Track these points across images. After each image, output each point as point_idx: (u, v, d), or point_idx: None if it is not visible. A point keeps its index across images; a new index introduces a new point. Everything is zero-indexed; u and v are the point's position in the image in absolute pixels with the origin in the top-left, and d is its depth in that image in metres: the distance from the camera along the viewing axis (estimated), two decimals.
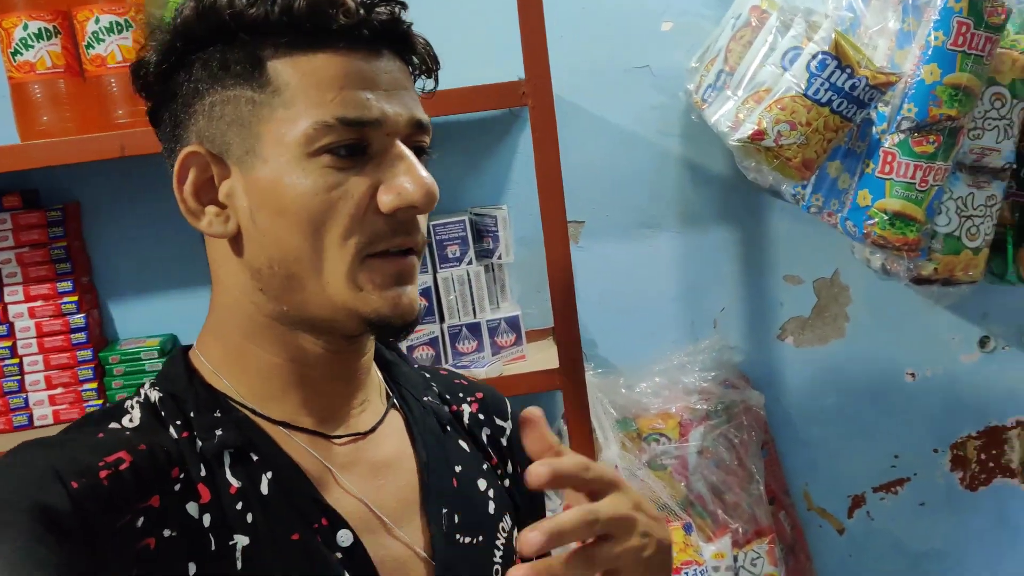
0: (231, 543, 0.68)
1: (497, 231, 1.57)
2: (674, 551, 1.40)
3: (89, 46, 1.44)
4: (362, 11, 0.70)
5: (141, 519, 0.65)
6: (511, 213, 1.58)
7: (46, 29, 1.43)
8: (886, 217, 1.36)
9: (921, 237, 1.37)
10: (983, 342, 1.78)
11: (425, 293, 1.54)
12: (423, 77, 0.77)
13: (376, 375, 0.84)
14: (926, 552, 1.84)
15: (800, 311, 1.75)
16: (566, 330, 1.42)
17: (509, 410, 0.93)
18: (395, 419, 0.83)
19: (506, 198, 1.67)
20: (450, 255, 1.55)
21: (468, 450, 0.86)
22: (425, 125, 0.74)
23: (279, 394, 0.75)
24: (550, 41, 1.37)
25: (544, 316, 1.69)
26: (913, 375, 1.79)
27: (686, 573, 1.38)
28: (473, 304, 1.56)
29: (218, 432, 0.71)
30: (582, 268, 1.67)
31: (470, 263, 1.55)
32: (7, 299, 1.52)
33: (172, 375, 0.75)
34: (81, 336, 1.55)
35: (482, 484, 0.84)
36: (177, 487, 0.68)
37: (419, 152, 0.74)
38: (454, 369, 0.96)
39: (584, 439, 1.43)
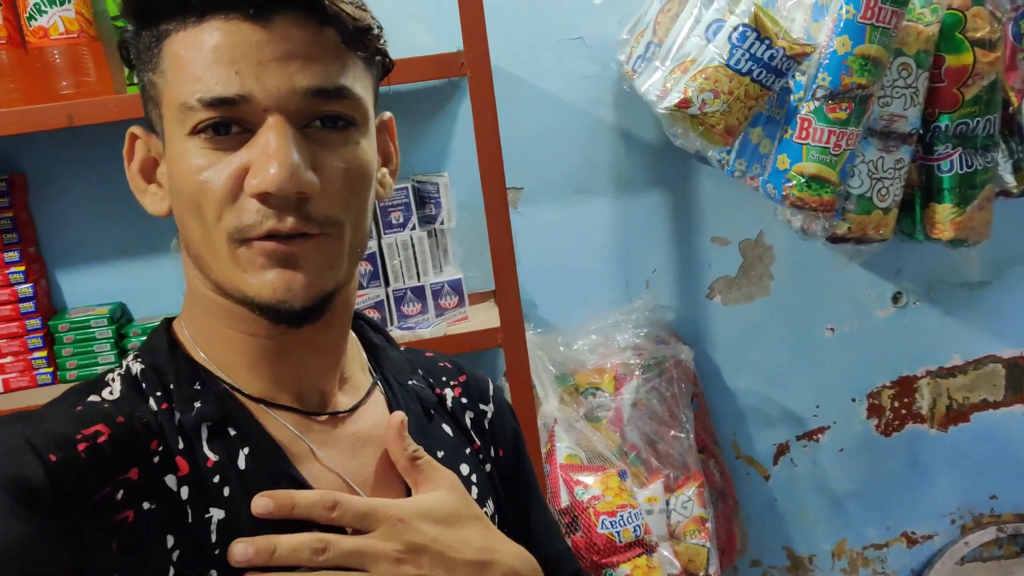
0: (207, 516, 0.67)
1: (439, 197, 1.63)
2: (610, 496, 1.51)
3: (31, 18, 1.45)
4: None
5: (120, 492, 0.64)
6: (452, 180, 1.64)
7: None
8: (803, 180, 1.45)
9: (836, 198, 1.47)
10: (896, 298, 1.90)
11: (370, 258, 1.60)
12: (348, 46, 0.70)
13: (359, 354, 0.83)
14: (845, 494, 1.97)
15: (727, 271, 1.85)
16: (506, 291, 1.49)
17: (491, 393, 0.93)
18: (378, 400, 0.82)
19: (447, 166, 1.73)
20: (394, 221, 1.60)
21: (451, 435, 0.86)
22: (332, 92, 0.68)
23: (250, 368, 0.74)
24: (488, 12, 1.42)
25: (486, 279, 1.76)
26: (832, 330, 1.90)
27: (621, 515, 1.47)
28: (417, 268, 1.62)
29: (196, 404, 0.71)
30: (521, 232, 1.74)
31: (413, 228, 1.61)
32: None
33: (154, 347, 0.75)
34: (29, 305, 1.57)
35: (464, 469, 0.84)
36: (156, 459, 0.67)
37: (333, 120, 0.69)
38: (439, 353, 0.96)
39: (525, 394, 1.51)
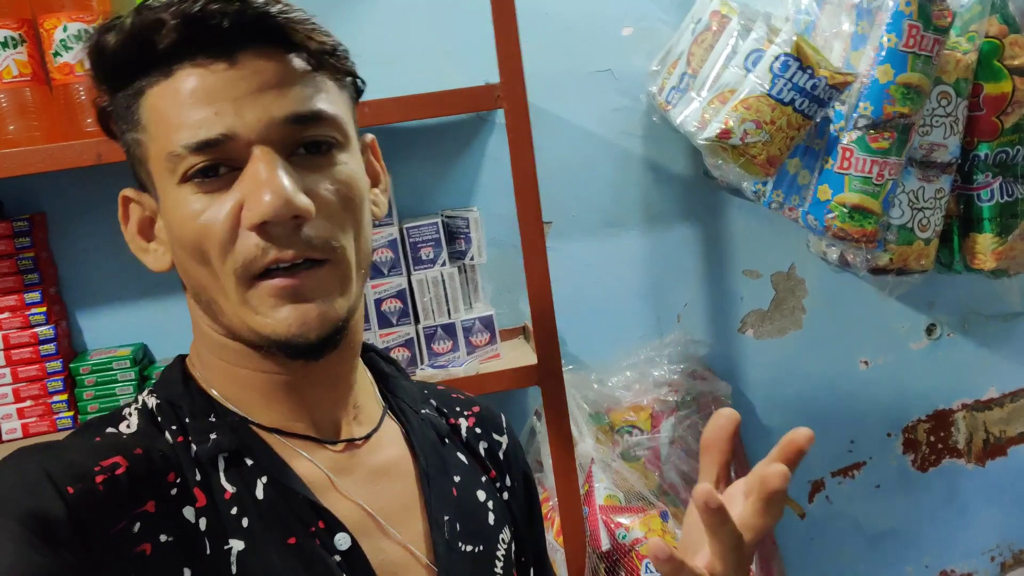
0: (226, 547, 0.67)
1: (469, 232, 1.60)
2: (653, 537, 1.46)
3: (56, 54, 1.42)
4: (175, 33, 0.66)
5: (137, 524, 0.64)
6: (481, 215, 1.61)
7: (11, 37, 1.41)
8: (845, 210, 1.43)
9: (878, 229, 1.44)
10: (930, 330, 1.87)
11: (400, 295, 1.56)
12: (319, 69, 0.71)
13: (370, 384, 0.84)
14: (882, 532, 1.92)
15: (759, 304, 1.82)
16: (544, 328, 1.46)
17: (505, 425, 0.94)
18: (392, 428, 0.82)
19: (476, 200, 1.70)
20: (424, 257, 1.57)
21: (466, 462, 0.86)
22: (310, 117, 0.68)
23: (263, 403, 0.74)
24: None
25: (514, 315, 1.73)
26: (866, 363, 1.87)
27: None
28: (448, 305, 1.59)
29: (212, 436, 0.71)
30: (551, 268, 1.70)
31: (443, 264, 1.58)
32: None
33: (169, 381, 0.76)
34: (50, 347, 1.53)
35: (481, 495, 0.85)
36: (173, 491, 0.68)
37: (316, 146, 0.69)
38: (450, 385, 0.97)
39: (564, 433, 1.47)
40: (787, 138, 1.39)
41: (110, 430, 0.70)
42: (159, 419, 0.72)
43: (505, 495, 0.89)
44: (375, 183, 0.81)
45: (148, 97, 0.68)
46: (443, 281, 1.58)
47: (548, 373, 1.46)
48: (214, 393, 0.75)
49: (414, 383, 0.90)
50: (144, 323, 1.63)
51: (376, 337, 1.56)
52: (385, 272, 1.56)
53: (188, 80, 0.67)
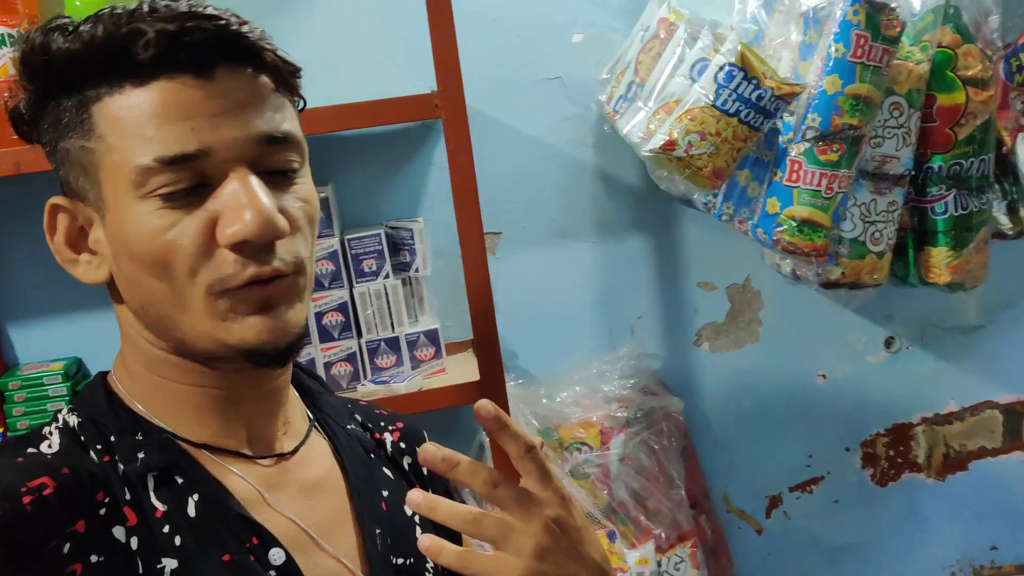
0: (159, 566, 0.67)
1: (414, 244, 1.56)
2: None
3: None
4: (162, 42, 0.65)
5: (67, 544, 0.63)
6: (427, 226, 1.57)
7: None
8: (795, 224, 1.39)
9: (828, 243, 1.41)
10: (888, 343, 1.84)
11: (341, 308, 1.52)
12: (281, 90, 0.73)
13: (297, 399, 0.84)
14: (841, 547, 1.89)
15: (715, 316, 1.78)
16: (486, 343, 1.42)
17: (427, 440, 0.92)
18: (320, 443, 0.83)
19: (422, 210, 1.65)
20: (366, 269, 1.53)
21: (392, 477, 0.87)
22: (281, 138, 0.70)
23: (196, 418, 0.74)
24: (462, 52, 1.36)
25: (463, 328, 1.68)
26: (824, 376, 1.84)
27: None
28: (391, 318, 1.54)
29: (140, 455, 0.70)
30: (500, 279, 1.66)
31: (387, 277, 1.53)
32: None
33: (91, 399, 0.74)
34: None
35: (408, 510, 0.84)
36: (102, 511, 0.67)
37: (282, 172, 0.71)
38: (372, 402, 0.97)
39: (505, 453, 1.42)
40: (733, 150, 1.35)
41: (31, 450, 0.69)
42: (82, 438, 0.71)
43: None
44: None
45: (106, 106, 0.67)
46: (386, 294, 1.54)
47: (491, 390, 1.42)
48: (140, 410, 0.74)
49: (338, 398, 0.91)
50: (78, 336, 1.58)
51: (317, 351, 1.51)
52: (326, 285, 1.51)
53: (161, 93, 0.66)
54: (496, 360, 1.42)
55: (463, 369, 1.55)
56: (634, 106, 1.46)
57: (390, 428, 0.92)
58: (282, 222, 0.68)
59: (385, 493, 0.84)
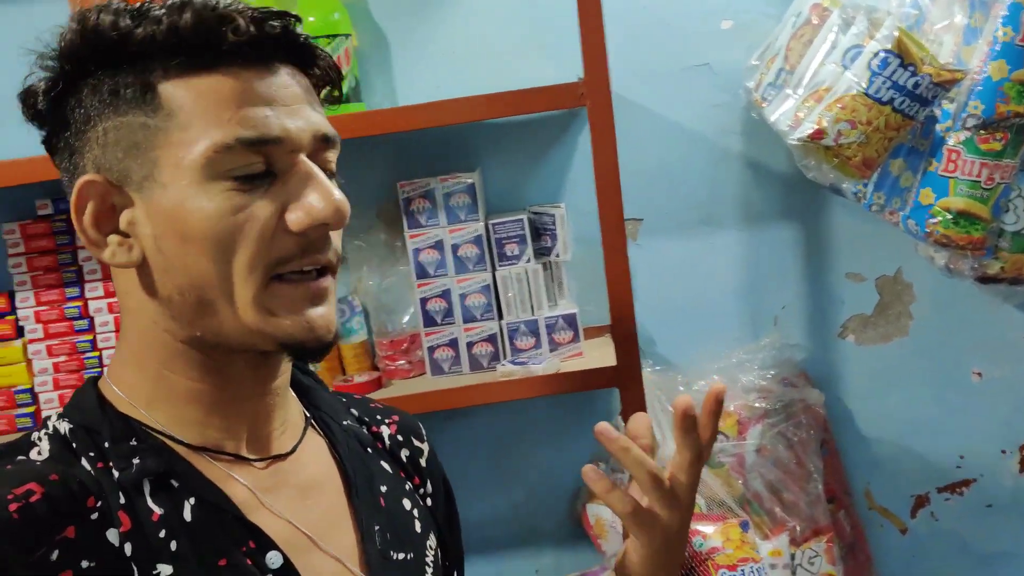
0: (154, 572, 0.66)
1: (555, 229, 1.59)
2: (731, 548, 1.42)
3: None
4: (252, 27, 0.67)
5: (56, 552, 0.62)
6: (569, 212, 1.60)
7: None
8: (949, 216, 1.34)
9: (987, 236, 1.34)
10: None
11: (484, 291, 1.57)
12: (327, 89, 0.76)
13: (294, 397, 0.83)
14: (994, 554, 1.81)
15: (862, 309, 1.73)
16: (623, 329, 1.43)
17: (424, 433, 0.95)
18: (316, 441, 0.82)
19: (563, 196, 1.68)
20: (508, 253, 1.57)
21: (390, 470, 0.87)
22: (331, 139, 0.72)
23: (201, 419, 0.73)
24: (609, 40, 1.38)
25: (602, 314, 1.70)
26: (979, 375, 1.75)
27: (742, 570, 1.38)
28: (531, 301, 1.58)
29: (135, 461, 0.69)
30: (640, 265, 1.68)
31: (528, 261, 1.58)
32: (88, 294, 1.59)
33: (83, 406, 0.73)
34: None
35: (407, 503, 0.86)
36: (95, 516, 0.66)
37: (326, 171, 0.72)
38: (366, 396, 0.99)
39: None
40: (885, 139, 1.31)
41: (20, 458, 0.68)
42: (73, 444, 0.70)
43: (428, 501, 0.91)
44: None
45: (179, 86, 0.67)
46: (527, 278, 1.58)
47: (627, 376, 1.44)
48: (142, 412, 0.73)
49: (333, 394, 0.90)
50: None
51: (460, 331, 1.58)
52: (470, 268, 1.57)
53: (234, 81, 0.68)
54: (633, 346, 1.43)
55: (600, 353, 1.57)
56: (783, 93, 1.44)
57: (386, 421, 0.91)
58: (348, 212, 0.70)
59: (383, 488, 0.84)
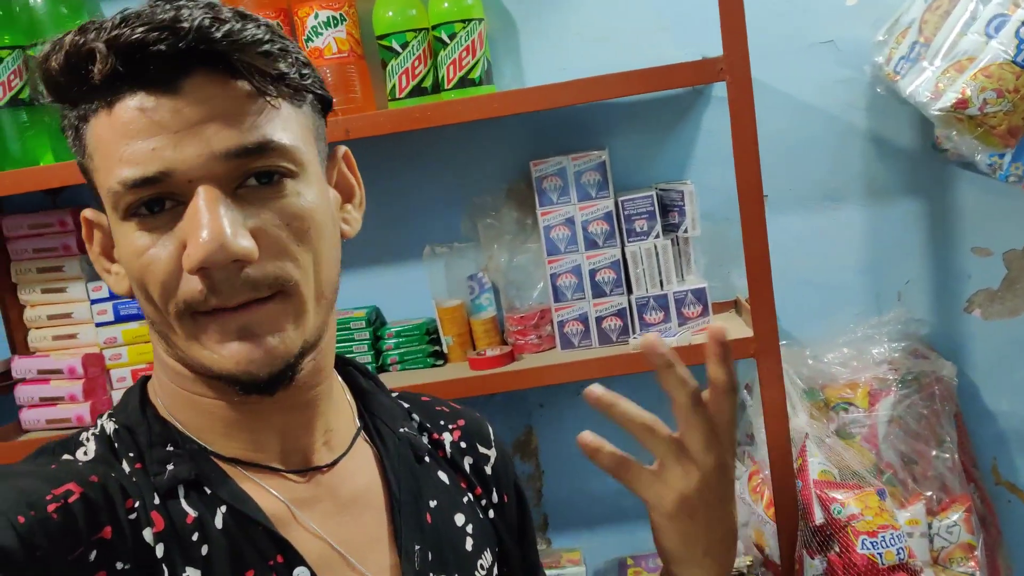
0: (183, 575, 0.66)
1: (683, 205, 1.62)
2: (870, 515, 1.43)
3: (308, 39, 1.56)
4: (118, 58, 0.61)
5: (94, 552, 0.62)
6: (695, 188, 1.63)
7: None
8: None
9: None
10: None
11: (614, 266, 1.61)
12: (270, 95, 0.65)
13: (347, 405, 0.80)
14: None
15: (989, 283, 1.73)
16: (762, 301, 1.46)
17: (492, 437, 0.91)
18: (365, 452, 0.80)
19: (689, 174, 1.71)
20: (638, 229, 1.61)
21: (447, 482, 0.83)
22: (255, 148, 0.64)
23: (224, 432, 0.72)
24: None
25: (726, 289, 1.74)
26: None
27: (883, 536, 1.40)
28: (660, 276, 1.62)
29: (169, 467, 0.69)
30: None
31: (657, 237, 1.61)
32: None
33: (128, 406, 0.73)
34: None
35: (459, 519, 0.82)
36: (132, 516, 0.66)
37: (268, 175, 0.65)
38: (436, 397, 0.92)
39: (778, 408, 1.47)
40: None
41: (66, 457, 0.69)
42: (116, 445, 0.70)
43: (491, 513, 0.87)
44: (349, 198, 0.77)
45: (93, 125, 0.65)
46: (656, 253, 1.61)
47: (765, 346, 1.47)
48: (173, 421, 0.72)
49: (393, 398, 0.86)
50: (375, 288, 1.76)
51: (590, 306, 1.62)
52: (600, 244, 1.61)
53: (127, 111, 0.63)
54: (771, 315, 1.46)
55: (728, 327, 1.59)
56: (918, 66, 1.45)
57: (450, 427, 0.87)
58: (241, 246, 0.62)
59: (433, 503, 0.80)
